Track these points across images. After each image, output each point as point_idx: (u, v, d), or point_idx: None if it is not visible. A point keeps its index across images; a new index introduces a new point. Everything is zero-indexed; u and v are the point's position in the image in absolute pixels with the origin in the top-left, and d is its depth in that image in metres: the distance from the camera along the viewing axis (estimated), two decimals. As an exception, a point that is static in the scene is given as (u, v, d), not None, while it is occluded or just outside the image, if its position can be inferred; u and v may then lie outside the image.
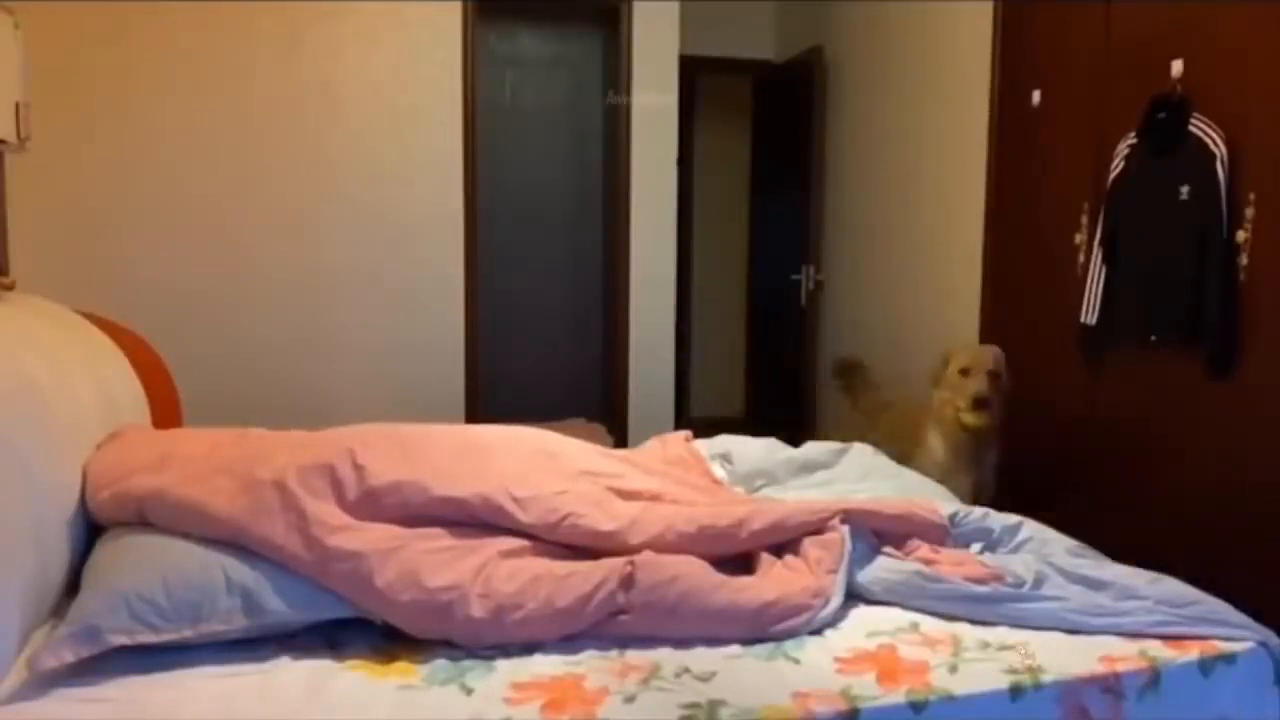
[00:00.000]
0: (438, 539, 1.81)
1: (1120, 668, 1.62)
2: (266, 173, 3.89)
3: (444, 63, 4.09)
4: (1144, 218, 2.79)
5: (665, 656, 1.62)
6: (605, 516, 1.94)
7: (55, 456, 1.75)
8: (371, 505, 1.84)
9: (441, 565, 1.72)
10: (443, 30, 4.07)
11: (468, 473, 1.96)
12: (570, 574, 1.74)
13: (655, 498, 2.11)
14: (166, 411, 2.79)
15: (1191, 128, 2.61)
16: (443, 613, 1.64)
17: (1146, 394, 2.85)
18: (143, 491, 1.76)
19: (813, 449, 2.72)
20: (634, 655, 1.63)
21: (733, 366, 6.32)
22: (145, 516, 1.75)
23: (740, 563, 1.97)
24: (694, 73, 5.59)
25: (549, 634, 1.66)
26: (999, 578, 1.87)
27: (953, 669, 1.60)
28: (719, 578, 1.78)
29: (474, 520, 1.89)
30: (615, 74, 4.54)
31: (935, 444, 3.17)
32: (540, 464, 2.12)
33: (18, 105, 2.49)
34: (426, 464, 1.95)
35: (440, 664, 1.58)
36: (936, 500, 2.30)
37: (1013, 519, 2.20)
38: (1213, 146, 2.55)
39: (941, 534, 2.09)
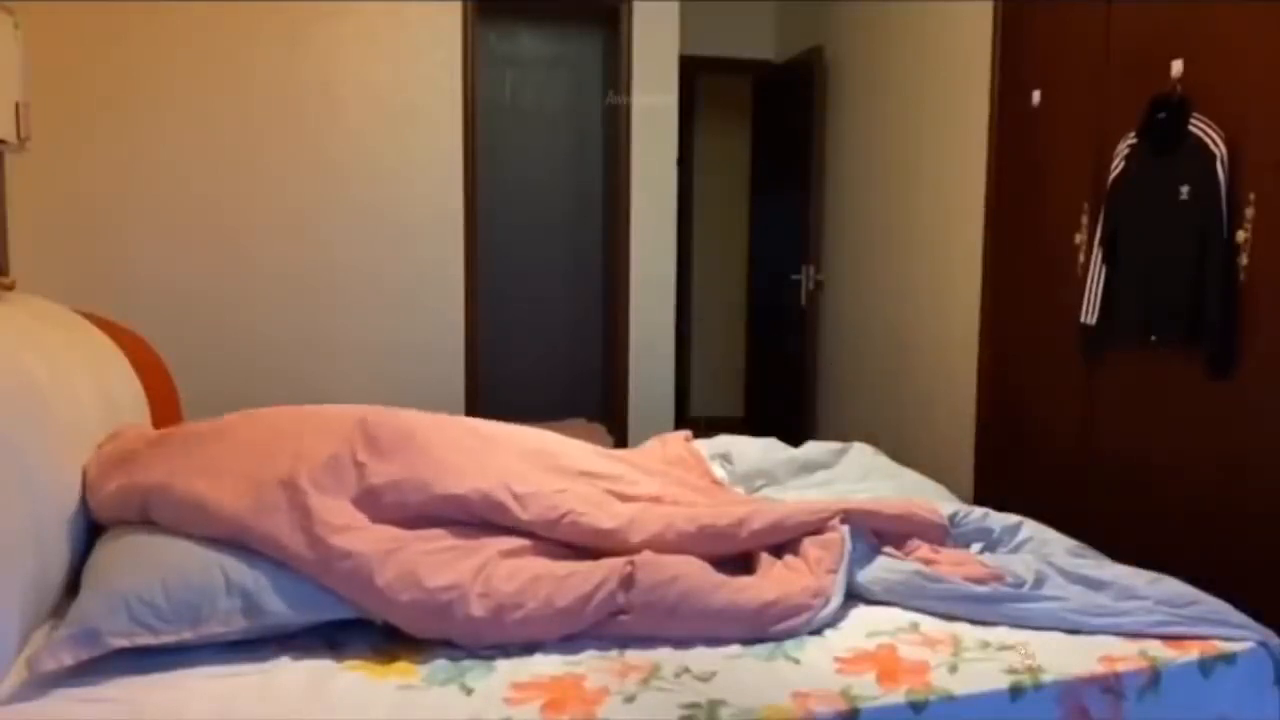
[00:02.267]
0: (438, 539, 1.81)
1: (1120, 668, 1.62)
2: (266, 173, 3.89)
3: (444, 63, 4.08)
4: (1144, 218, 2.79)
5: (665, 656, 1.62)
6: (605, 515, 1.94)
7: (55, 456, 1.75)
8: (372, 503, 1.84)
9: (441, 565, 1.72)
10: (443, 30, 4.07)
11: (469, 467, 1.96)
12: (570, 574, 1.74)
13: (655, 500, 2.11)
14: (166, 411, 2.79)
15: (1191, 128, 2.61)
16: (443, 612, 1.64)
17: (1146, 394, 2.85)
18: (148, 484, 1.76)
19: (813, 449, 2.72)
20: (634, 655, 1.63)
21: (733, 366, 6.32)
22: (148, 513, 1.75)
23: (740, 563, 1.97)
24: (694, 73, 5.59)
25: (549, 634, 1.66)
26: (999, 578, 1.87)
27: (953, 669, 1.60)
28: (719, 578, 1.78)
29: (474, 518, 1.89)
30: (615, 74, 4.54)
31: None
32: (540, 463, 2.12)
33: (18, 105, 2.49)
34: (429, 457, 1.95)
35: (440, 664, 1.58)
36: (936, 500, 2.30)
37: (1013, 519, 2.20)
38: (1213, 146, 2.55)
39: (941, 534, 2.09)
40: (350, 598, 1.66)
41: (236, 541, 1.70)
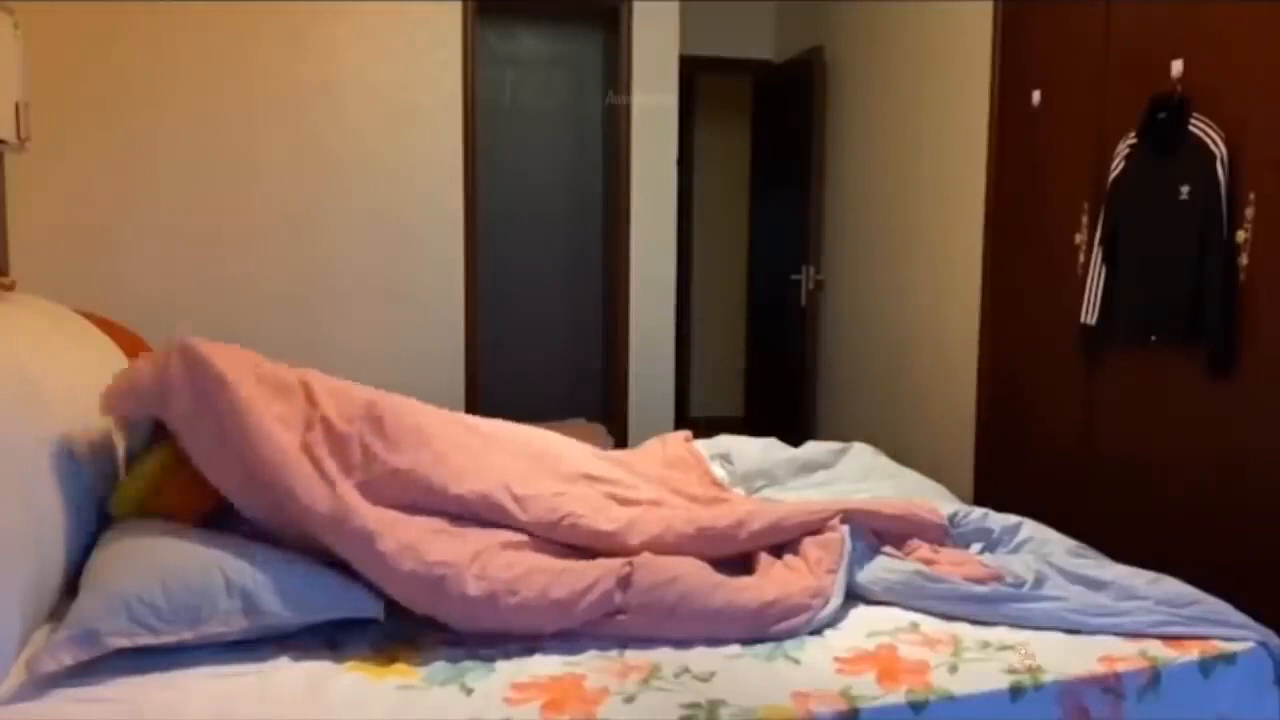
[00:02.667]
0: (439, 525, 1.83)
1: (1120, 668, 1.62)
2: (266, 173, 3.89)
3: (444, 63, 4.08)
4: (1144, 218, 2.79)
5: (665, 656, 1.62)
6: (604, 517, 1.94)
7: (55, 457, 1.74)
8: (373, 492, 1.86)
9: (442, 544, 1.74)
10: (443, 30, 4.07)
11: (470, 467, 1.98)
12: (567, 569, 1.75)
13: (654, 504, 2.11)
14: (166, 411, 2.78)
15: (1191, 128, 2.61)
16: (439, 586, 1.64)
17: (1146, 394, 2.85)
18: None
19: (813, 449, 2.72)
20: (634, 655, 1.63)
21: (733, 366, 6.32)
22: (168, 410, 1.76)
23: (740, 563, 1.97)
24: (694, 73, 5.59)
25: (542, 624, 1.66)
26: (999, 578, 1.87)
27: (953, 669, 1.60)
28: (718, 578, 1.78)
29: (474, 517, 1.90)
30: (615, 74, 4.54)
31: None
32: (540, 465, 2.13)
33: (18, 105, 2.49)
34: (431, 452, 1.97)
35: (440, 664, 1.58)
36: (936, 500, 2.30)
37: (1012, 519, 2.20)
38: (1213, 146, 2.55)
39: (941, 534, 2.09)
40: (353, 561, 1.67)
41: (253, 481, 1.73)
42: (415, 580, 1.65)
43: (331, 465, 1.82)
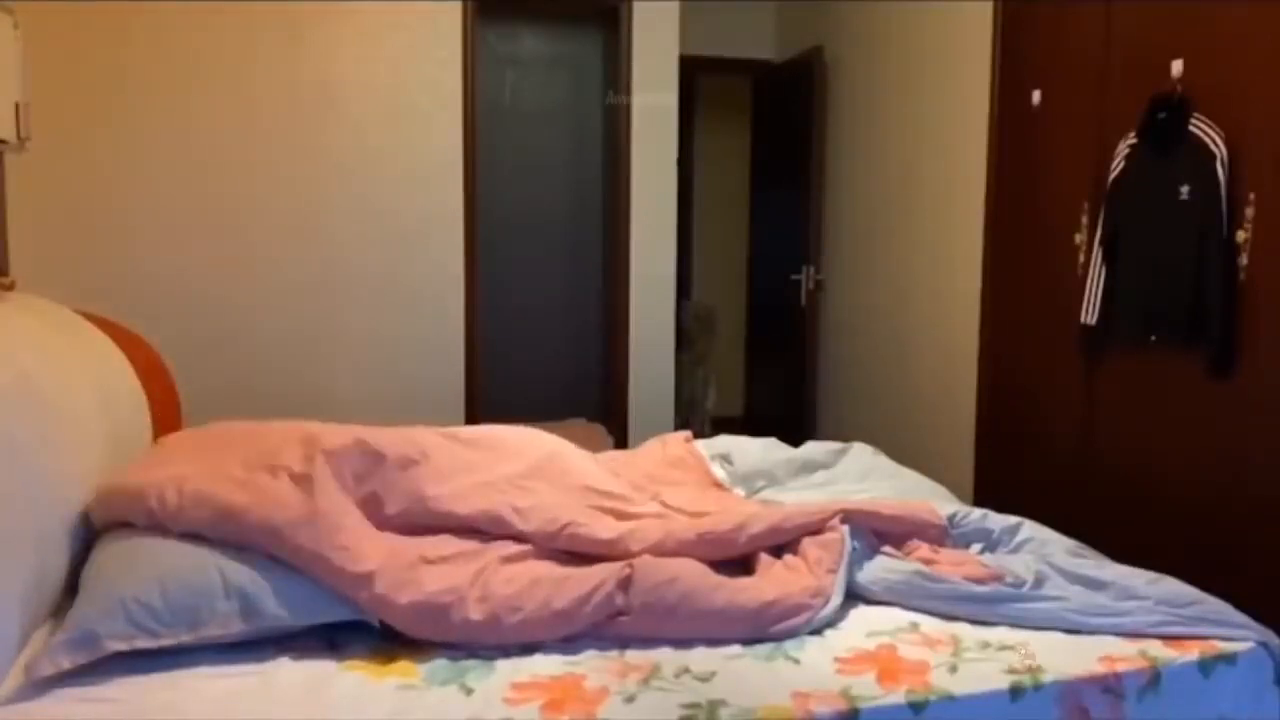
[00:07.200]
0: (440, 548, 1.83)
1: (1120, 668, 1.62)
2: (266, 173, 3.89)
3: (444, 63, 4.08)
4: (1144, 218, 2.79)
5: (665, 656, 1.62)
6: (605, 526, 1.95)
7: (55, 457, 1.74)
8: (380, 519, 1.88)
9: (442, 572, 1.73)
10: (443, 30, 4.07)
11: (472, 485, 2.00)
12: (568, 577, 1.75)
13: (656, 517, 2.11)
14: (166, 411, 2.79)
15: (1191, 128, 2.61)
16: (441, 615, 1.64)
17: (1146, 394, 2.85)
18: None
19: (813, 449, 2.72)
20: (634, 655, 1.63)
21: (733, 366, 6.32)
22: (157, 514, 1.75)
23: (740, 563, 1.97)
24: (694, 73, 5.58)
25: (546, 635, 1.66)
26: (999, 578, 1.87)
27: (953, 669, 1.60)
28: (718, 578, 1.78)
29: (476, 532, 1.92)
30: (615, 74, 4.53)
31: None
32: (543, 476, 2.14)
33: (18, 105, 2.49)
34: (433, 470, 1.98)
35: (440, 664, 1.58)
36: (936, 500, 2.30)
37: (1012, 519, 2.20)
38: (1213, 146, 2.55)
39: (940, 534, 2.09)
40: (351, 597, 1.67)
41: (251, 542, 1.71)
42: (415, 610, 1.64)
43: (325, 500, 1.83)
